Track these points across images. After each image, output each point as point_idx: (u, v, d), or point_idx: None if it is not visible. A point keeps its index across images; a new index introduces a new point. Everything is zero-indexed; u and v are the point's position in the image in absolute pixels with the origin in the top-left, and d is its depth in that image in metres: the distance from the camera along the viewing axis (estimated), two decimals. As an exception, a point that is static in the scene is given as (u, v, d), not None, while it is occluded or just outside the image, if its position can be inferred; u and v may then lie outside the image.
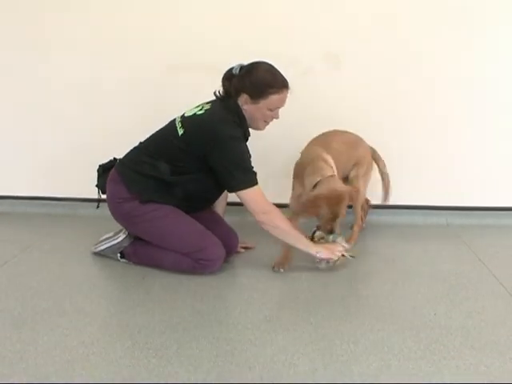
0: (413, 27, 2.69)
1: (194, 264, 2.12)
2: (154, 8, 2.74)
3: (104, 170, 2.30)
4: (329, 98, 2.78)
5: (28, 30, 2.83)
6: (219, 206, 2.48)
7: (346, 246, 2.24)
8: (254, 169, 2.09)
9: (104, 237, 2.33)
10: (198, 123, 2.08)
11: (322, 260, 2.17)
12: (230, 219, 2.48)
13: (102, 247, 2.32)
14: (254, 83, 2.04)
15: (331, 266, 2.19)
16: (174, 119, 2.17)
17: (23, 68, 2.90)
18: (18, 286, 2.06)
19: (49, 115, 2.95)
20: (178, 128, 2.10)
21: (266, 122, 2.16)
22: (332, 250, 2.16)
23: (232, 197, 2.60)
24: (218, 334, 1.69)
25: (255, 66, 2.06)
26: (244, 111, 2.10)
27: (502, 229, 2.85)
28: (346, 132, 2.58)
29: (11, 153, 3.03)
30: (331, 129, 2.58)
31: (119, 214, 2.22)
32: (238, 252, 2.41)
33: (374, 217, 2.92)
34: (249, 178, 2.05)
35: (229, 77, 2.10)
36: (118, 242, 2.27)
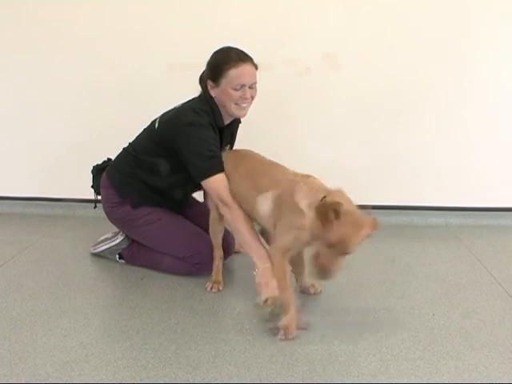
0: (413, 27, 2.69)
1: (191, 268, 2.11)
2: (155, 8, 2.74)
3: (98, 171, 2.31)
4: (328, 98, 2.79)
5: (27, 29, 2.82)
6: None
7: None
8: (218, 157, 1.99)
9: (102, 238, 2.33)
10: (168, 114, 2.09)
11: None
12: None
13: (101, 248, 2.32)
14: (210, 65, 2.00)
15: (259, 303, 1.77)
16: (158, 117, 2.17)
17: (21, 68, 2.89)
18: (17, 286, 2.06)
19: (48, 115, 2.94)
20: (156, 123, 2.11)
21: (238, 105, 2.00)
22: (265, 285, 1.75)
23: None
24: (216, 335, 1.69)
25: (214, 52, 2.03)
26: (215, 99, 2.03)
27: (501, 229, 2.85)
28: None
29: (10, 153, 3.03)
30: (331, 126, 2.59)
31: (114, 219, 2.23)
32: (238, 252, 2.40)
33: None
34: (209, 166, 1.93)
35: (202, 75, 2.10)
36: (116, 244, 2.27)
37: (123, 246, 2.27)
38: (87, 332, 1.71)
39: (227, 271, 2.22)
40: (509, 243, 2.65)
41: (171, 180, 2.11)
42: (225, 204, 1.92)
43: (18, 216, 3.02)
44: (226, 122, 2.10)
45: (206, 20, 2.72)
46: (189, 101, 2.10)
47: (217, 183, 1.94)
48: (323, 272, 1.56)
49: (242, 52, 1.99)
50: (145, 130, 2.20)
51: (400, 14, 2.68)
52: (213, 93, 2.01)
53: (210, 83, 2.00)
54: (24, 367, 1.51)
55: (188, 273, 2.13)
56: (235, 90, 1.95)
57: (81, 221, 2.92)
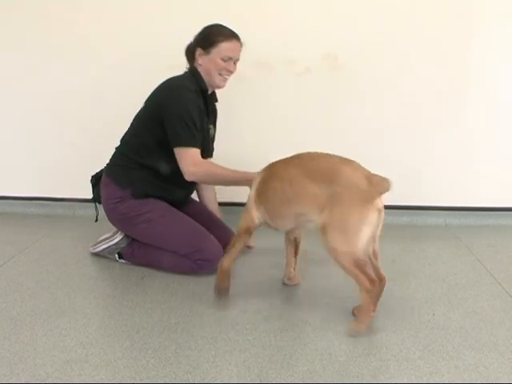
0: (413, 28, 2.69)
1: (192, 264, 2.12)
2: (155, 9, 2.74)
3: (97, 180, 2.31)
4: (328, 98, 2.79)
5: (26, 29, 2.83)
6: (211, 206, 2.50)
7: None
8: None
9: (102, 237, 2.33)
10: (153, 90, 2.18)
11: None
12: (228, 219, 2.47)
13: (100, 248, 2.32)
14: (204, 34, 2.16)
15: None
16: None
17: (22, 69, 2.90)
18: (17, 286, 2.06)
19: (48, 115, 2.95)
20: (143, 104, 2.21)
21: (221, 76, 2.18)
22: None
23: (230, 197, 2.62)
24: (216, 335, 1.69)
25: (207, 25, 2.18)
26: (200, 68, 2.16)
27: (501, 229, 2.85)
28: (323, 161, 1.79)
29: (10, 153, 3.03)
30: (331, 128, 2.60)
31: (115, 218, 2.23)
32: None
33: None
34: (190, 136, 2.05)
35: (188, 46, 2.22)
36: (116, 243, 2.27)
37: (122, 245, 2.27)
38: (87, 332, 1.71)
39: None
40: (509, 243, 2.66)
41: (164, 158, 2.12)
42: (196, 165, 2.05)
43: (18, 216, 3.02)
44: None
45: (206, 21, 2.71)
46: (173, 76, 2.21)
47: (190, 153, 2.06)
48: None
49: (233, 31, 2.17)
50: (131, 123, 2.25)
51: (400, 15, 2.69)
52: (200, 60, 2.15)
53: (199, 51, 2.14)
54: (24, 367, 1.51)
55: (189, 270, 2.13)
56: (223, 60, 2.13)
57: (81, 221, 2.93)
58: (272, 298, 1.98)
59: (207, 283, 2.08)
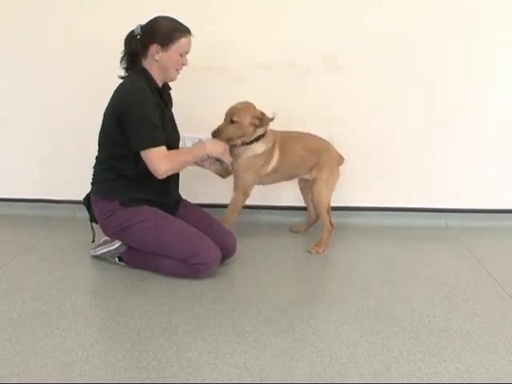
0: (413, 29, 2.69)
1: (190, 268, 2.11)
2: (154, 12, 2.74)
3: (89, 201, 2.30)
4: (328, 100, 2.79)
5: (25, 29, 2.82)
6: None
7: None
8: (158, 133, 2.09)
9: (102, 240, 2.33)
10: (109, 101, 2.17)
11: (211, 158, 2.31)
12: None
13: (100, 252, 2.32)
14: (162, 30, 2.12)
15: (224, 168, 2.38)
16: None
17: (21, 67, 2.88)
18: (18, 288, 2.06)
19: (49, 118, 2.94)
20: (102, 116, 2.20)
21: (177, 71, 2.20)
22: (217, 144, 2.26)
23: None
24: (217, 337, 1.69)
25: (156, 19, 2.15)
26: (154, 64, 2.14)
27: (502, 231, 2.85)
28: (313, 138, 2.56)
29: (11, 156, 3.03)
30: (330, 129, 2.63)
31: (112, 232, 2.23)
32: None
33: (373, 219, 2.93)
34: (153, 136, 2.05)
35: (132, 38, 2.18)
36: (115, 248, 2.26)
37: (122, 250, 2.27)
38: (88, 333, 1.71)
39: (227, 273, 2.22)
40: (509, 245, 2.66)
41: (144, 164, 2.10)
42: (167, 159, 2.08)
43: (19, 218, 3.02)
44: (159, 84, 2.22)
45: (206, 22, 2.72)
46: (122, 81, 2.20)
47: (159, 152, 2.06)
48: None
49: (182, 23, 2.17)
50: (98, 140, 2.24)
51: (400, 16, 2.69)
52: (157, 56, 2.13)
53: (156, 47, 2.11)
54: (25, 368, 1.51)
55: (187, 274, 2.13)
56: (181, 56, 2.15)
57: (81, 223, 2.92)
58: (272, 300, 1.98)
59: (208, 285, 2.09)
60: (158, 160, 2.06)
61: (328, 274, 2.21)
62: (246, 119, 2.29)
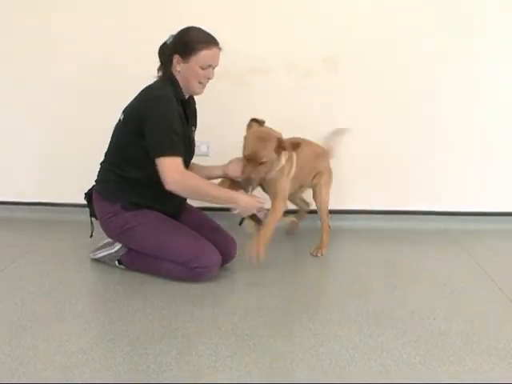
0: (413, 30, 2.71)
1: (190, 272, 2.10)
2: (152, 14, 2.75)
3: (89, 197, 2.29)
4: (328, 101, 2.80)
5: (25, 28, 2.82)
6: (211, 174, 2.32)
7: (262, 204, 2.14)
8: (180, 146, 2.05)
9: (102, 243, 2.33)
10: (131, 101, 2.14)
11: (240, 214, 2.13)
12: (227, 224, 2.46)
13: (100, 255, 2.31)
14: (183, 41, 2.08)
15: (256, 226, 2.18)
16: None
17: (19, 68, 2.88)
18: (18, 291, 2.06)
19: (49, 121, 2.94)
20: (120, 118, 2.16)
21: (201, 84, 2.13)
22: (251, 204, 2.09)
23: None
24: (216, 340, 1.69)
25: (185, 29, 2.11)
26: (178, 75, 2.11)
27: (501, 234, 2.85)
28: (315, 144, 2.53)
29: (10, 159, 3.03)
30: (329, 131, 2.63)
31: (112, 234, 2.23)
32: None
33: (373, 222, 2.93)
34: (170, 144, 2.00)
35: (163, 47, 2.16)
36: (116, 251, 2.26)
37: (122, 253, 2.27)
38: (88, 337, 1.71)
39: (227, 277, 2.22)
40: (509, 248, 2.66)
41: (151, 168, 2.05)
42: (180, 173, 2.00)
43: (19, 221, 3.02)
44: (185, 96, 2.18)
45: (205, 26, 2.73)
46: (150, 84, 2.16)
47: (175, 162, 2.00)
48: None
49: (211, 35, 2.10)
50: (112, 137, 2.22)
51: (401, 18, 2.70)
52: (178, 67, 2.09)
53: (177, 58, 2.08)
54: (24, 372, 1.51)
55: (189, 278, 2.12)
56: (202, 68, 2.07)
57: (81, 226, 2.92)
58: (272, 303, 1.98)
59: (208, 288, 2.09)
60: (170, 170, 2.00)
61: (328, 277, 2.21)
62: (273, 154, 2.09)
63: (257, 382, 1.47)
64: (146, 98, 2.08)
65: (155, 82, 2.15)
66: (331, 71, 2.77)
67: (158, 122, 2.01)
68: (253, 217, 2.18)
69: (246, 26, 2.73)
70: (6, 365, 1.54)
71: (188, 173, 2.08)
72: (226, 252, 2.21)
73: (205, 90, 2.18)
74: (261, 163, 2.07)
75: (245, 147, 2.11)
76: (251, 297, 2.03)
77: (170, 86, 2.11)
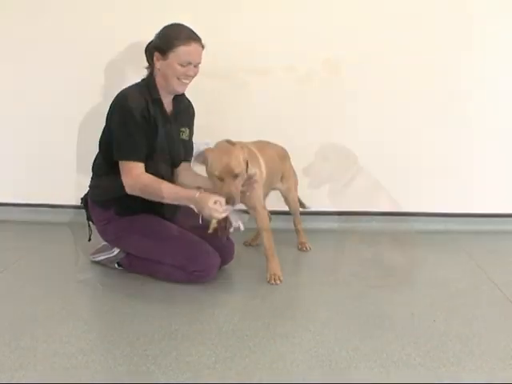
0: (414, 33, 2.71)
1: (189, 276, 2.10)
2: (151, 13, 2.75)
3: (86, 201, 2.29)
4: (328, 103, 2.80)
5: (25, 28, 2.82)
6: (196, 182, 2.21)
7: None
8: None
9: (101, 245, 2.33)
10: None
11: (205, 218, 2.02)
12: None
13: (99, 258, 2.31)
14: (161, 37, 2.06)
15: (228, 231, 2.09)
16: None
17: (19, 68, 2.88)
18: (17, 292, 2.06)
19: (49, 124, 2.93)
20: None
21: (180, 81, 2.07)
22: (214, 209, 1.90)
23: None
24: (216, 341, 1.69)
25: (166, 26, 2.08)
26: (158, 73, 2.08)
27: (501, 235, 2.86)
28: (276, 145, 2.51)
29: (10, 160, 3.02)
30: (330, 132, 2.63)
31: (109, 239, 2.24)
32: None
33: (372, 224, 2.92)
34: (132, 149, 2.00)
35: (148, 46, 2.15)
36: (115, 255, 2.26)
37: (121, 257, 2.26)
38: (87, 338, 1.71)
39: (227, 278, 2.22)
40: (509, 249, 2.66)
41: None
42: (133, 178, 1.99)
43: (18, 222, 3.02)
44: (164, 97, 2.13)
45: (206, 25, 2.73)
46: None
47: (129, 166, 2.00)
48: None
49: (193, 31, 2.06)
50: (99, 145, 2.21)
51: (401, 20, 2.71)
52: (158, 64, 2.07)
53: (156, 54, 2.06)
54: (24, 373, 1.51)
55: (187, 281, 2.12)
56: (181, 65, 2.03)
57: (81, 227, 2.91)
58: (272, 305, 1.98)
59: (207, 290, 2.08)
60: (124, 174, 2.01)
61: (327, 278, 2.21)
62: (243, 164, 2.03)
63: (257, 382, 1.47)
64: (113, 102, 2.08)
65: (131, 85, 2.13)
66: (331, 72, 2.77)
67: (118, 123, 2.02)
68: (221, 222, 2.07)
69: (246, 26, 2.73)
70: (6, 366, 1.54)
71: (143, 178, 2.01)
72: (224, 253, 2.20)
73: (187, 87, 2.14)
74: (235, 176, 1.98)
75: (213, 169, 2.00)
76: (251, 298, 2.03)
77: (143, 85, 2.09)
